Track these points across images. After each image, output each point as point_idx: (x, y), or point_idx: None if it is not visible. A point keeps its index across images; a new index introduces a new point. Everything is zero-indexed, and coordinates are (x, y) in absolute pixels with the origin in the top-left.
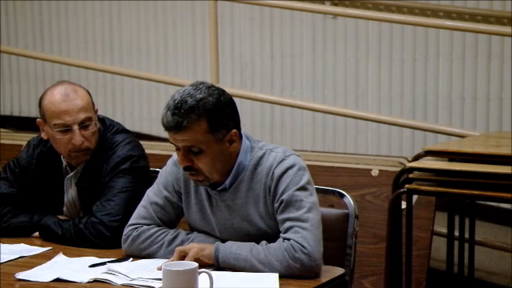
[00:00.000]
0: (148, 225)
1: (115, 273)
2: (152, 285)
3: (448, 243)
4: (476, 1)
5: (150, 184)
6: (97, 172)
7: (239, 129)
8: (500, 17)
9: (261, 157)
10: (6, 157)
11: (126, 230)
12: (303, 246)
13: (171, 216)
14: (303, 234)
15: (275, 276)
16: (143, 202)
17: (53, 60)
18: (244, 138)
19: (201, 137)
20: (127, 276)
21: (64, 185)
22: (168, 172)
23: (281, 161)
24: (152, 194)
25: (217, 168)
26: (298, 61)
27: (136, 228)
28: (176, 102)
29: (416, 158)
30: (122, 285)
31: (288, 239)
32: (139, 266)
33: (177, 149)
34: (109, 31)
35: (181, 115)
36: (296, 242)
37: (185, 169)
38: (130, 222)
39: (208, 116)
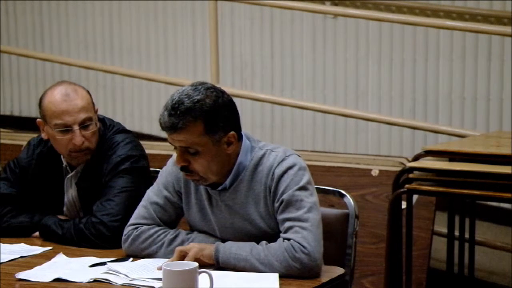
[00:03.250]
0: (148, 225)
1: (115, 273)
2: (152, 285)
3: (448, 243)
4: (476, 1)
5: (150, 184)
6: (97, 172)
7: (238, 130)
8: (500, 17)
9: (262, 157)
10: (6, 157)
11: (126, 230)
12: (303, 246)
13: (171, 216)
14: (303, 234)
15: (275, 276)
16: (143, 202)
17: (53, 60)
18: (244, 138)
19: (197, 138)
20: (127, 276)
21: (64, 185)
22: (168, 172)
23: (282, 161)
24: (152, 194)
25: (213, 169)
26: (298, 61)
27: (136, 228)
28: (174, 102)
29: (416, 158)
30: (122, 285)
31: (288, 239)
32: (139, 266)
33: (175, 148)
34: (109, 31)
35: (177, 116)
36: (296, 242)
37: (181, 169)
38: (130, 222)
39: (205, 118)
